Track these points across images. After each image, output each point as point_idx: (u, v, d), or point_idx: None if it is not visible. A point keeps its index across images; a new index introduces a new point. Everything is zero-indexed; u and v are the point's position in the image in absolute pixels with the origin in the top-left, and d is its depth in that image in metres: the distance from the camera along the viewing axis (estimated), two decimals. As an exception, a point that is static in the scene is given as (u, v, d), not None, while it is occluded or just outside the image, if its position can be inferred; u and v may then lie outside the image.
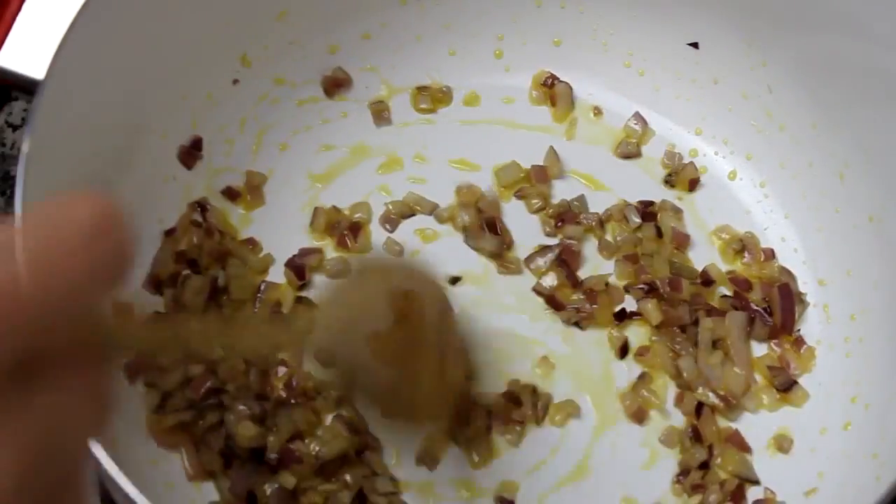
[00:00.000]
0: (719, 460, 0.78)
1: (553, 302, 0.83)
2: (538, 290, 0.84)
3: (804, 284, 0.83)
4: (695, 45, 0.87)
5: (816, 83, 0.80)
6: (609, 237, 0.85)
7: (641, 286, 0.83)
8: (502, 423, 0.79)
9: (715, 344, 0.81)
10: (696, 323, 0.81)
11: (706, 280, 0.83)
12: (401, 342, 0.66)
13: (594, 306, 0.82)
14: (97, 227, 0.38)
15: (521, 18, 0.88)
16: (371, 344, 0.64)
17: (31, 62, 0.70)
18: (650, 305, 0.81)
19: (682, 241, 0.85)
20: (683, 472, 0.78)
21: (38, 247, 0.37)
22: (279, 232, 0.84)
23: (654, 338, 0.82)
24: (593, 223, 0.85)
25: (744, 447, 0.78)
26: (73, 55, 0.68)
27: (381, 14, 0.88)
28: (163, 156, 0.83)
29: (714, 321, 0.81)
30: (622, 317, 0.82)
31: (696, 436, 0.79)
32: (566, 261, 0.84)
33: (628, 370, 0.81)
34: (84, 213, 0.38)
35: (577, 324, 0.82)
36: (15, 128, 0.92)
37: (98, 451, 0.59)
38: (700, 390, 0.79)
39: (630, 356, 0.82)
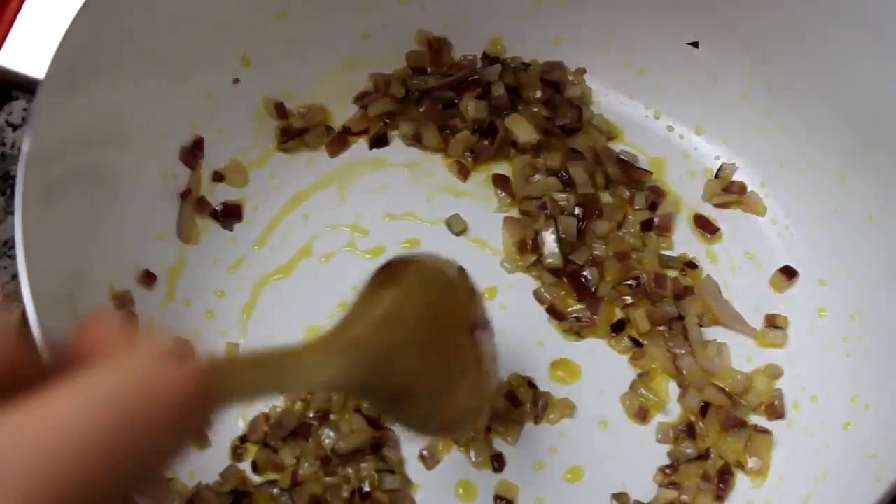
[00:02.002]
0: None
1: (553, 311, 0.83)
2: (538, 297, 0.84)
3: (804, 284, 0.84)
4: (695, 44, 0.86)
5: (816, 83, 0.80)
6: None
7: (629, 282, 0.83)
8: (502, 423, 0.79)
9: (702, 321, 0.82)
10: (681, 318, 0.82)
11: (690, 263, 0.85)
12: (436, 358, 0.63)
13: (595, 316, 0.82)
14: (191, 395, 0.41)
15: (521, 18, 0.88)
16: (405, 366, 0.60)
17: (31, 62, 0.70)
18: (638, 314, 0.82)
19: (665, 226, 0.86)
20: (671, 465, 0.78)
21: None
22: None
23: (645, 341, 0.82)
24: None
25: (740, 423, 0.79)
26: (73, 54, 0.68)
27: (381, 14, 0.88)
28: (163, 155, 0.83)
29: (689, 301, 0.82)
30: (619, 328, 0.83)
31: (690, 432, 0.79)
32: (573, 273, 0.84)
33: (628, 369, 0.82)
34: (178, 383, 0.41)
35: (577, 333, 0.83)
36: (15, 127, 0.92)
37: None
38: (706, 391, 0.80)
39: (627, 360, 0.82)
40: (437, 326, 0.63)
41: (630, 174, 0.87)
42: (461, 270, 0.70)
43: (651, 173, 0.87)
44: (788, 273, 0.84)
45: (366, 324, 0.58)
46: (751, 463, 0.78)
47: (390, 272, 0.63)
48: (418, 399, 0.61)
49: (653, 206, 0.86)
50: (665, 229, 0.86)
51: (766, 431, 0.79)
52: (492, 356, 0.69)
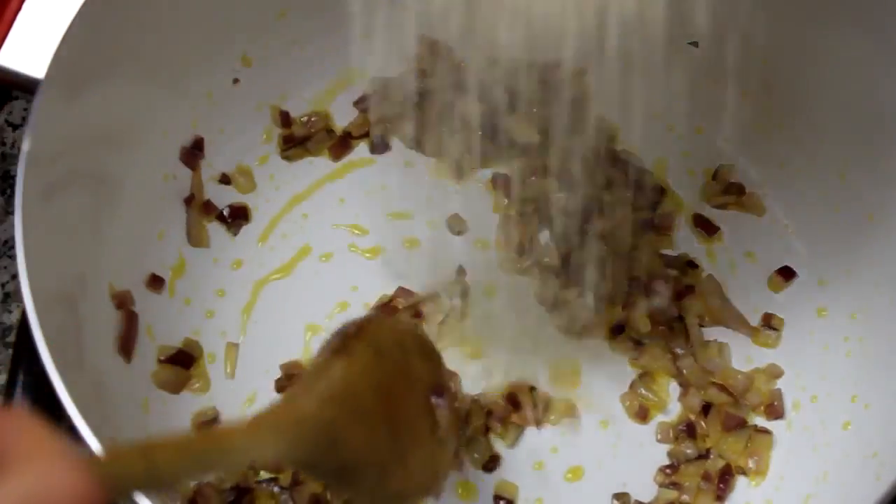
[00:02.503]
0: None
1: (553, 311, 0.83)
2: (538, 297, 0.84)
3: (804, 284, 0.84)
4: (695, 44, 0.86)
5: (816, 83, 0.80)
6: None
7: (629, 282, 0.83)
8: (500, 423, 0.79)
9: (702, 321, 0.82)
10: (681, 318, 0.82)
11: (690, 262, 0.85)
12: (386, 431, 0.62)
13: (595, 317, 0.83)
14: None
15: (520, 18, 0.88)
16: (352, 442, 0.59)
17: (31, 61, 0.70)
18: (638, 314, 0.82)
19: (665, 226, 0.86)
20: (671, 465, 0.78)
21: None
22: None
23: (645, 341, 0.82)
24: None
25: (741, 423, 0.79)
26: (73, 54, 0.68)
27: (382, 15, 0.88)
28: (163, 155, 0.83)
29: (690, 301, 0.82)
30: (619, 328, 0.83)
31: (690, 432, 0.79)
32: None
33: (628, 369, 0.82)
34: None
35: (577, 333, 0.83)
36: (15, 127, 0.92)
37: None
38: (709, 391, 0.80)
39: (627, 361, 0.82)
40: (390, 397, 0.62)
41: (630, 174, 0.87)
42: (421, 333, 0.69)
43: (651, 173, 0.87)
44: (786, 274, 0.84)
45: (312, 399, 0.58)
46: (751, 463, 0.78)
47: (344, 340, 0.63)
48: (365, 472, 0.60)
49: (653, 206, 0.86)
50: (665, 229, 0.86)
51: (766, 431, 0.79)
52: (449, 423, 0.67)
